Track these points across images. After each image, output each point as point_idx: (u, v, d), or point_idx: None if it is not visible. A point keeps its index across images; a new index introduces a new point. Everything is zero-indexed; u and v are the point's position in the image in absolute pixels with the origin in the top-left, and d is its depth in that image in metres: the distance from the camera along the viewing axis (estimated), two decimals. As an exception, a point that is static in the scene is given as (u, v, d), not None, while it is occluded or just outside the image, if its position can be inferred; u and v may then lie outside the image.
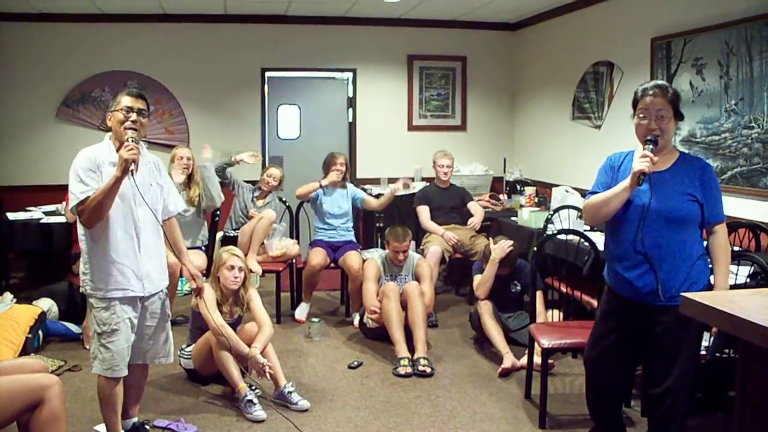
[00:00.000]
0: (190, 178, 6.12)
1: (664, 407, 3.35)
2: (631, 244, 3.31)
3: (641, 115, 3.26)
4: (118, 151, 3.46)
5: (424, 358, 5.14)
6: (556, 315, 5.13)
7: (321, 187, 6.44)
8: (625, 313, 3.44)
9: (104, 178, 3.43)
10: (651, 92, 3.23)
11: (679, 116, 3.27)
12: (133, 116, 3.52)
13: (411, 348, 5.23)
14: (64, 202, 5.98)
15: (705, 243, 3.36)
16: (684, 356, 3.28)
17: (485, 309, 5.36)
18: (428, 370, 5.05)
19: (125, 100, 3.55)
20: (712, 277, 3.37)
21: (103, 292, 3.52)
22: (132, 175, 3.41)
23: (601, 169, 3.51)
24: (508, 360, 5.04)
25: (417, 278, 5.79)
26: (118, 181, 3.36)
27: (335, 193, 6.58)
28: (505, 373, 5.00)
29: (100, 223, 3.45)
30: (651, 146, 3.20)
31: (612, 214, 3.36)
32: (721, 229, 3.29)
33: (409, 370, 5.04)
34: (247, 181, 6.88)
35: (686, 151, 5.69)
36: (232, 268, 4.67)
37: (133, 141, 3.41)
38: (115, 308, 3.53)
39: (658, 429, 3.44)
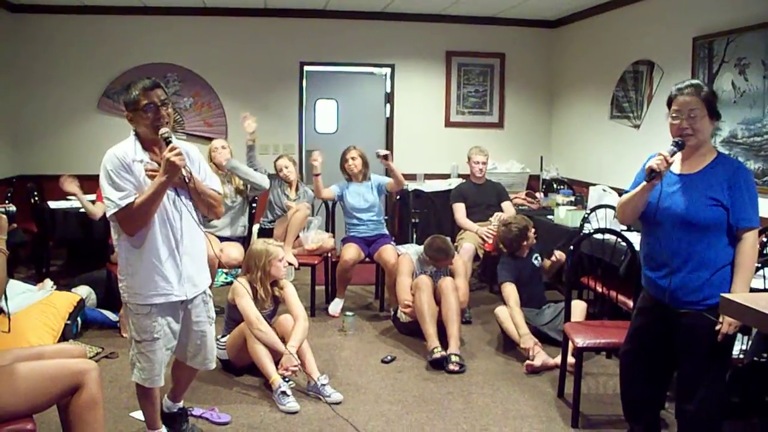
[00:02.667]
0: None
1: (692, 412, 3.31)
2: (653, 247, 3.35)
3: (674, 114, 3.23)
4: (144, 148, 3.36)
5: (456, 354, 5.14)
6: (581, 306, 5.11)
7: (316, 175, 6.35)
8: (655, 313, 3.43)
9: (135, 178, 3.27)
10: (685, 91, 3.20)
11: (715, 115, 3.22)
12: (162, 111, 3.31)
13: (444, 344, 5.22)
14: (99, 202, 6.06)
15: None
16: (706, 362, 3.23)
17: (503, 316, 5.40)
18: (458, 367, 5.05)
19: (143, 97, 3.30)
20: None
21: (143, 298, 3.36)
22: (186, 182, 3.28)
23: (640, 169, 3.46)
24: (539, 359, 5.02)
25: (451, 274, 5.79)
26: (164, 187, 3.20)
27: (359, 187, 6.58)
28: (533, 371, 4.98)
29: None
30: (674, 149, 3.19)
31: (636, 213, 3.38)
32: (749, 236, 3.15)
33: (444, 353, 5.08)
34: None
35: (726, 152, 5.63)
36: (282, 259, 4.83)
37: (171, 140, 3.22)
38: (156, 316, 3.39)
39: None
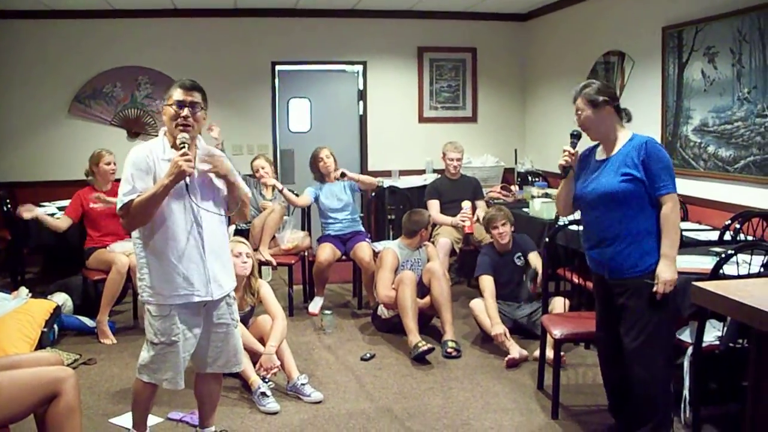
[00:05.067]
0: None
1: (636, 390, 3.54)
2: (587, 226, 3.72)
3: (576, 114, 3.68)
4: (172, 146, 3.30)
5: (453, 340, 5.28)
6: (561, 303, 5.12)
7: (281, 191, 6.40)
8: (603, 291, 3.70)
9: (156, 177, 3.23)
10: (574, 96, 3.67)
11: (600, 105, 3.56)
12: (185, 111, 3.25)
13: (434, 332, 5.28)
14: (63, 215, 6.00)
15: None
16: (646, 330, 3.46)
17: (478, 309, 5.42)
18: (455, 353, 5.19)
19: (176, 93, 3.27)
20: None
21: (164, 299, 3.29)
22: (187, 189, 3.23)
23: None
24: (515, 350, 5.05)
25: (427, 260, 5.86)
26: (166, 188, 3.13)
27: (333, 187, 6.58)
28: (513, 364, 5.00)
29: (157, 226, 3.25)
30: (574, 141, 3.71)
31: (567, 205, 3.79)
32: (667, 200, 3.42)
33: (429, 345, 5.12)
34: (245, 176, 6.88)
35: (698, 141, 5.69)
36: (239, 254, 4.63)
37: (187, 146, 3.17)
38: (175, 318, 3.31)
39: (633, 408, 3.62)
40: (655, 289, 3.39)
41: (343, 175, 6.39)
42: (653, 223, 3.46)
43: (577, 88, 3.66)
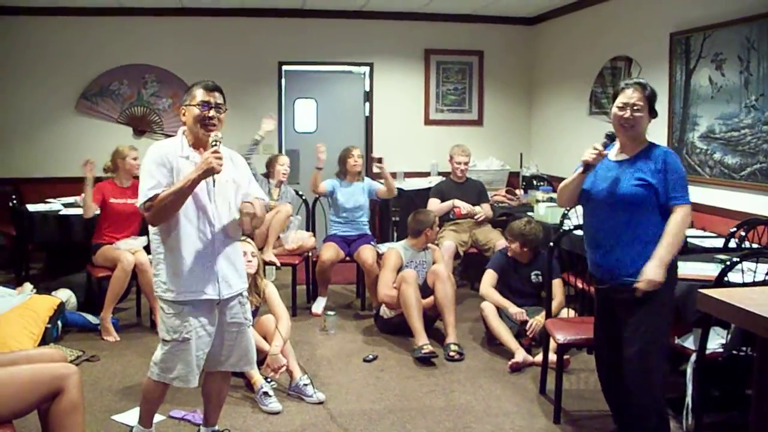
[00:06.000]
0: None
1: (628, 389, 3.50)
2: (592, 228, 3.65)
3: (620, 106, 3.51)
4: (191, 145, 3.37)
5: (455, 343, 5.26)
6: (571, 314, 5.11)
7: (318, 169, 6.47)
8: (603, 296, 3.67)
9: (175, 174, 3.27)
10: (632, 87, 3.49)
11: (653, 112, 3.51)
12: (212, 112, 3.35)
13: (437, 334, 5.30)
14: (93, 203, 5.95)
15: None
16: (644, 338, 3.41)
17: (489, 311, 5.39)
18: (458, 356, 5.18)
19: (200, 94, 3.35)
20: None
21: (174, 295, 3.31)
22: (213, 184, 3.30)
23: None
24: (520, 354, 5.04)
25: (433, 262, 5.87)
26: (194, 183, 3.17)
27: (352, 187, 6.60)
28: (517, 368, 5.00)
29: (173, 223, 3.27)
30: (607, 141, 3.56)
31: (572, 198, 3.73)
32: (678, 210, 3.39)
33: (431, 348, 5.11)
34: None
35: (704, 148, 5.69)
36: (245, 254, 4.64)
37: (219, 145, 3.22)
38: (188, 315, 3.32)
39: (626, 411, 3.61)
40: (635, 285, 3.33)
41: (380, 160, 6.49)
42: (660, 231, 3.38)
43: (635, 80, 3.57)
